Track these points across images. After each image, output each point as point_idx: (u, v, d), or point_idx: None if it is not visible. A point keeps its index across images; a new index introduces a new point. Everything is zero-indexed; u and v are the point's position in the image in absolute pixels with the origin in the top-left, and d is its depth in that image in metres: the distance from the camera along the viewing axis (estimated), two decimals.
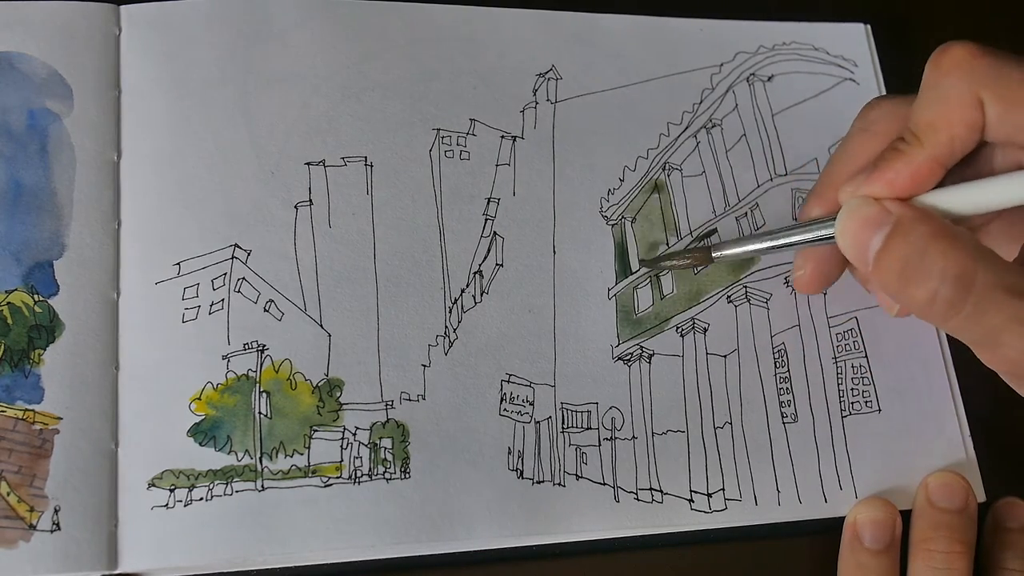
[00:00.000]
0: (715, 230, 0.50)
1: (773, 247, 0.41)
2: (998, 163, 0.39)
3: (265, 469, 0.42)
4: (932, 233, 0.35)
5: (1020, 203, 0.37)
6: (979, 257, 0.34)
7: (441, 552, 0.43)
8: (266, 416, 0.43)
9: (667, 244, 0.49)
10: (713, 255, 0.42)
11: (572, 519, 0.44)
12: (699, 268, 0.48)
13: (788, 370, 0.48)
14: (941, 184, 0.37)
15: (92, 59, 0.46)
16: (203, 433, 0.42)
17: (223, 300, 0.44)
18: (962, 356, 0.49)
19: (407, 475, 0.43)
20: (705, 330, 0.48)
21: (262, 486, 0.42)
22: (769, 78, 0.53)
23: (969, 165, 0.39)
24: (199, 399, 0.43)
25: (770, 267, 0.49)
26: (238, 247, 0.45)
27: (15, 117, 0.45)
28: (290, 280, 0.45)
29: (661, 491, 0.45)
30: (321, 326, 0.45)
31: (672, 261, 0.45)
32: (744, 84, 0.53)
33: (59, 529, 0.40)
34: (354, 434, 0.43)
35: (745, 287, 0.49)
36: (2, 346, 0.42)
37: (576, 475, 0.44)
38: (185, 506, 0.41)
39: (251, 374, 0.43)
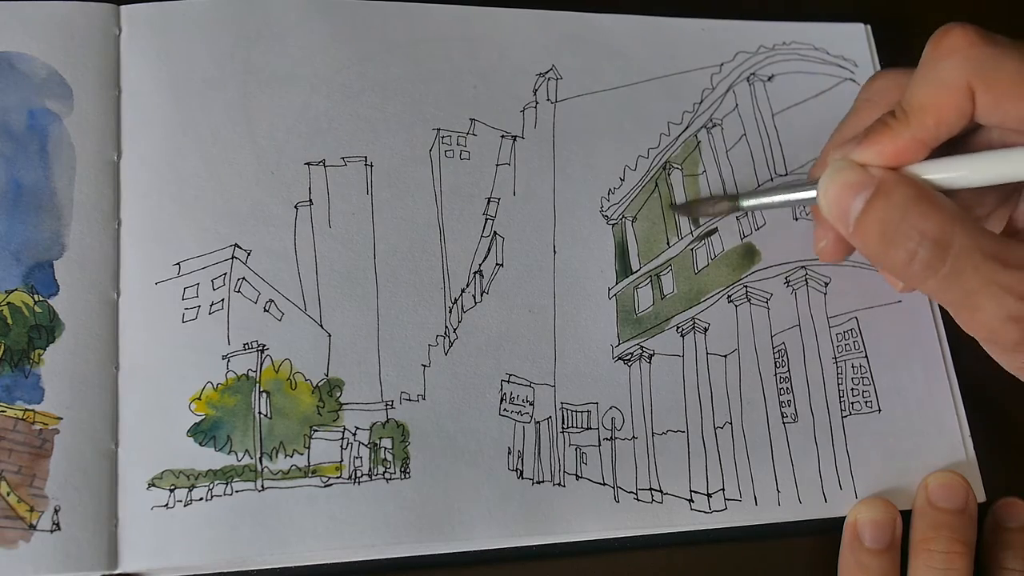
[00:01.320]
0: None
1: (789, 200, 0.43)
2: (991, 142, 0.39)
3: (265, 469, 0.42)
4: (913, 196, 0.36)
5: (1001, 181, 0.38)
6: (958, 220, 0.35)
7: (441, 552, 0.43)
8: (266, 416, 0.43)
9: (667, 244, 0.49)
10: (741, 203, 0.45)
11: (572, 519, 0.44)
12: (724, 216, 0.49)
13: (788, 370, 0.48)
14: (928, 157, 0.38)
15: (92, 59, 0.46)
16: (203, 433, 0.42)
17: (223, 300, 0.44)
18: (962, 356, 0.49)
19: (407, 475, 0.43)
20: (705, 330, 0.48)
21: (262, 486, 0.42)
22: (769, 78, 0.53)
23: (962, 142, 0.39)
24: (199, 399, 0.43)
25: (771, 267, 0.49)
26: (238, 247, 0.45)
27: (15, 117, 0.45)
28: (290, 280, 0.45)
29: (661, 491, 0.45)
30: (321, 326, 0.45)
31: (704, 207, 0.48)
32: (744, 84, 0.53)
33: (59, 529, 0.40)
34: (354, 434, 0.43)
35: (746, 287, 0.49)
36: (2, 346, 0.42)
37: (576, 475, 0.44)
38: (185, 506, 0.41)
39: (251, 374, 0.43)
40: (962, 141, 0.40)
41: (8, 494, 0.40)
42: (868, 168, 0.38)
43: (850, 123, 0.43)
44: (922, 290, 0.38)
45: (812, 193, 0.41)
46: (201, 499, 0.41)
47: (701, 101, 0.52)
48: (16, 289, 0.43)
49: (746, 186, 0.51)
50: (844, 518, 0.45)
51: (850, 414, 0.47)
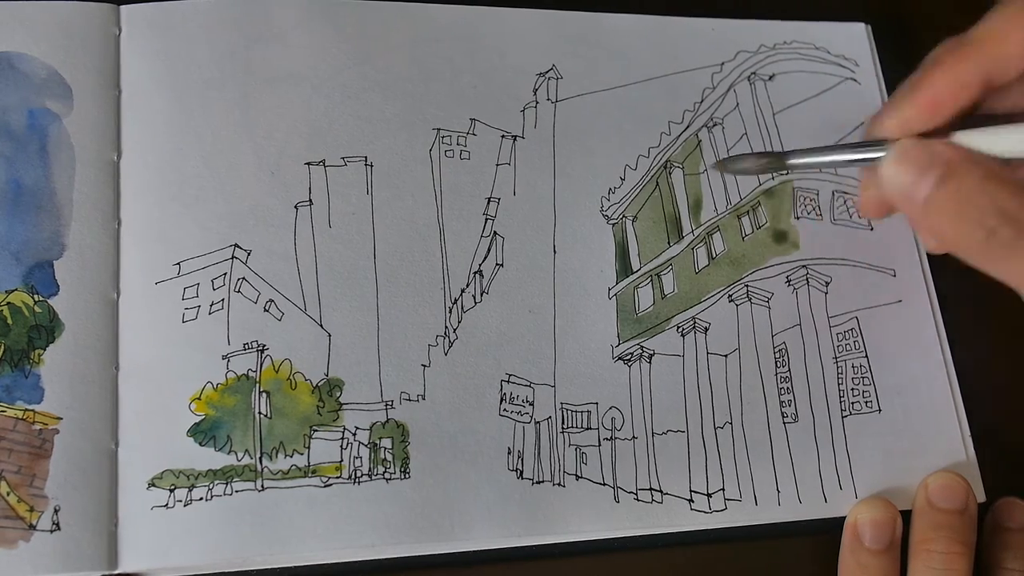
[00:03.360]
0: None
1: (837, 161, 0.41)
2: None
3: (265, 469, 0.42)
4: (986, 174, 0.35)
5: None
6: None
7: (441, 552, 0.43)
8: (266, 416, 0.43)
9: (668, 244, 0.49)
10: (788, 161, 0.42)
11: (572, 519, 0.44)
12: (772, 174, 0.47)
13: (788, 370, 0.48)
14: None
15: (92, 59, 0.46)
16: (203, 433, 0.42)
17: (223, 300, 0.44)
18: (962, 356, 0.49)
19: (407, 475, 0.43)
20: (706, 329, 0.48)
21: (262, 486, 0.42)
22: (770, 77, 0.53)
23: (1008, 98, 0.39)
24: (199, 399, 0.43)
25: (771, 266, 0.49)
26: (238, 247, 0.45)
27: (15, 117, 0.45)
28: (290, 280, 0.45)
29: (661, 491, 0.45)
30: (321, 326, 0.45)
31: (746, 164, 0.44)
32: (745, 83, 0.53)
33: (59, 529, 0.40)
34: (354, 434, 0.43)
35: (747, 286, 0.49)
36: (2, 346, 0.42)
37: (576, 475, 0.44)
38: (185, 506, 0.41)
39: (251, 374, 0.43)
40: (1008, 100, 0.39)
41: (8, 494, 0.40)
42: (934, 147, 0.37)
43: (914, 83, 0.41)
44: (992, 270, 0.36)
45: (872, 155, 0.40)
46: (201, 499, 0.41)
47: (702, 100, 0.52)
48: (16, 289, 0.43)
49: (748, 186, 0.51)
50: (844, 518, 0.45)
51: (850, 414, 0.47)
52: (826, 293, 0.49)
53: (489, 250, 0.47)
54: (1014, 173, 0.41)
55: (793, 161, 0.42)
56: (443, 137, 0.49)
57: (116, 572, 0.40)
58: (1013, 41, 0.36)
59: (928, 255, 0.50)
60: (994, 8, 0.37)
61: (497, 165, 0.49)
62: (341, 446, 0.43)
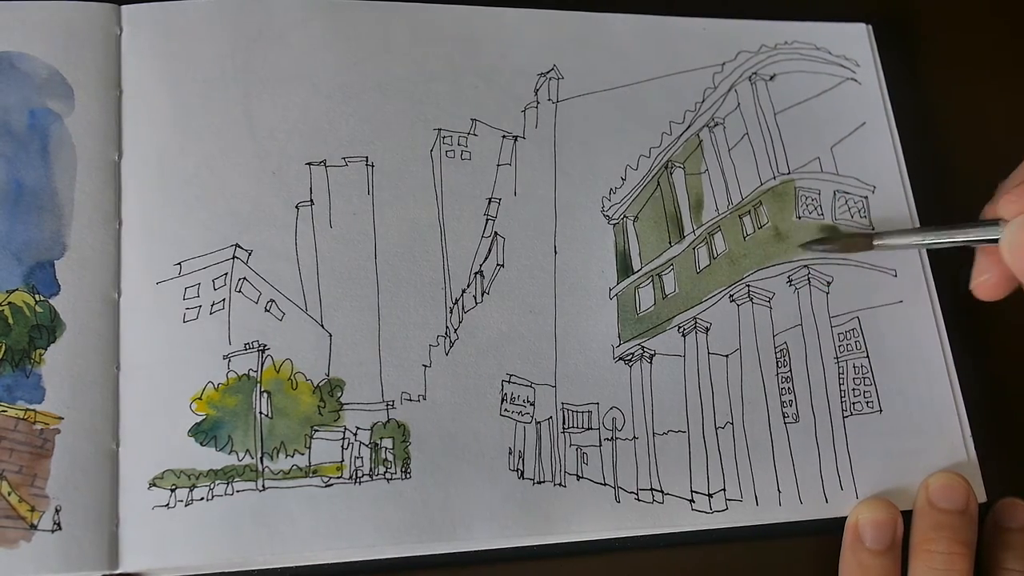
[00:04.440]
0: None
1: (936, 243, 0.44)
2: None
3: (266, 469, 0.42)
4: None
5: None
6: None
7: (441, 552, 0.43)
8: (267, 416, 0.43)
9: (669, 243, 0.49)
10: (874, 243, 0.46)
11: (573, 519, 0.44)
12: (856, 252, 0.49)
13: (790, 370, 0.48)
14: None
15: (93, 59, 0.46)
16: (204, 433, 0.42)
17: (224, 300, 0.44)
18: (964, 357, 0.49)
19: (408, 475, 0.43)
20: (707, 329, 0.48)
21: (263, 486, 0.42)
22: (771, 77, 0.53)
23: None
24: (200, 399, 0.43)
25: (773, 266, 0.49)
26: (239, 247, 0.45)
27: (16, 117, 0.45)
28: (291, 280, 0.45)
29: (662, 491, 0.45)
30: (322, 326, 0.45)
31: (831, 245, 0.48)
32: (746, 83, 0.53)
33: (60, 529, 0.40)
34: (355, 434, 0.43)
35: (748, 286, 0.49)
36: (3, 346, 0.42)
37: (577, 475, 0.44)
38: (186, 506, 0.41)
39: (252, 374, 0.43)
40: None
41: (9, 494, 0.40)
42: None
43: None
44: None
45: (991, 235, 0.41)
46: (202, 499, 0.41)
47: (703, 100, 0.52)
48: (17, 289, 0.43)
49: (748, 185, 0.51)
50: (845, 518, 0.45)
51: (851, 414, 0.47)
52: (827, 293, 0.49)
53: (490, 250, 0.47)
54: None
55: (880, 242, 0.46)
56: (444, 137, 0.49)
57: (117, 572, 0.40)
58: None
59: (930, 255, 0.50)
60: None
61: (498, 165, 0.49)
62: (342, 446, 0.43)
